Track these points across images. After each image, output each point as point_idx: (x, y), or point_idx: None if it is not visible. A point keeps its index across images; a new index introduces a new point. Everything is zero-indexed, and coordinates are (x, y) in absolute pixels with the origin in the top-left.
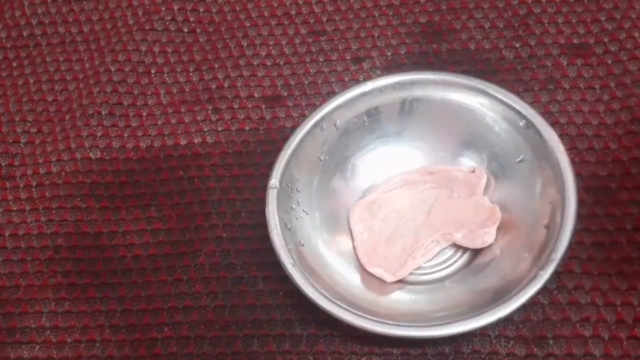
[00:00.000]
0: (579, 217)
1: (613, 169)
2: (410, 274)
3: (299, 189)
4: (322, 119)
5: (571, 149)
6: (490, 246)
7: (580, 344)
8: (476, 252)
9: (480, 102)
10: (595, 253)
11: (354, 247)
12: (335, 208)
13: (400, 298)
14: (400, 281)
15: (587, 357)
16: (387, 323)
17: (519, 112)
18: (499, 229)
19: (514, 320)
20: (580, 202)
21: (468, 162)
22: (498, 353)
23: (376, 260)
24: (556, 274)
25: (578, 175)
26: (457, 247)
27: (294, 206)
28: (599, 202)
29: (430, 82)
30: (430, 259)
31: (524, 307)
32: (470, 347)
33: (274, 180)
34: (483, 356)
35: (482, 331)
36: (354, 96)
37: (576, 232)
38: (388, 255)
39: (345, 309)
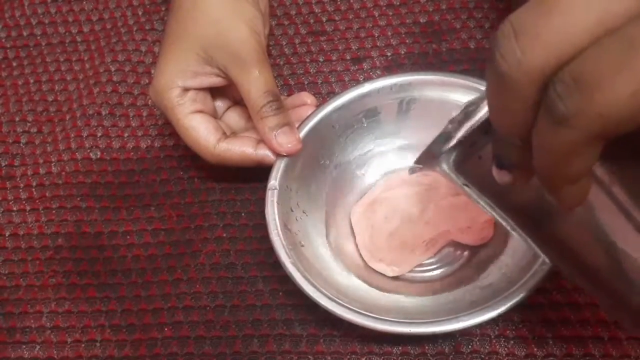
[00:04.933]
0: None
1: None
2: (411, 271)
3: (298, 191)
4: (320, 120)
5: None
6: (489, 242)
7: (579, 344)
8: (476, 249)
9: None
10: None
11: (355, 246)
12: (335, 208)
13: (400, 296)
14: (401, 279)
15: (586, 357)
16: (388, 320)
17: None
18: (498, 225)
19: (513, 320)
20: None
21: None
22: (498, 353)
23: (378, 256)
24: (556, 272)
25: None
26: (457, 244)
27: (293, 207)
28: None
29: (427, 83)
30: (431, 257)
31: (523, 307)
32: (470, 346)
33: (274, 182)
34: (483, 356)
35: (482, 331)
36: (352, 98)
37: None
38: (390, 250)
39: (347, 307)
